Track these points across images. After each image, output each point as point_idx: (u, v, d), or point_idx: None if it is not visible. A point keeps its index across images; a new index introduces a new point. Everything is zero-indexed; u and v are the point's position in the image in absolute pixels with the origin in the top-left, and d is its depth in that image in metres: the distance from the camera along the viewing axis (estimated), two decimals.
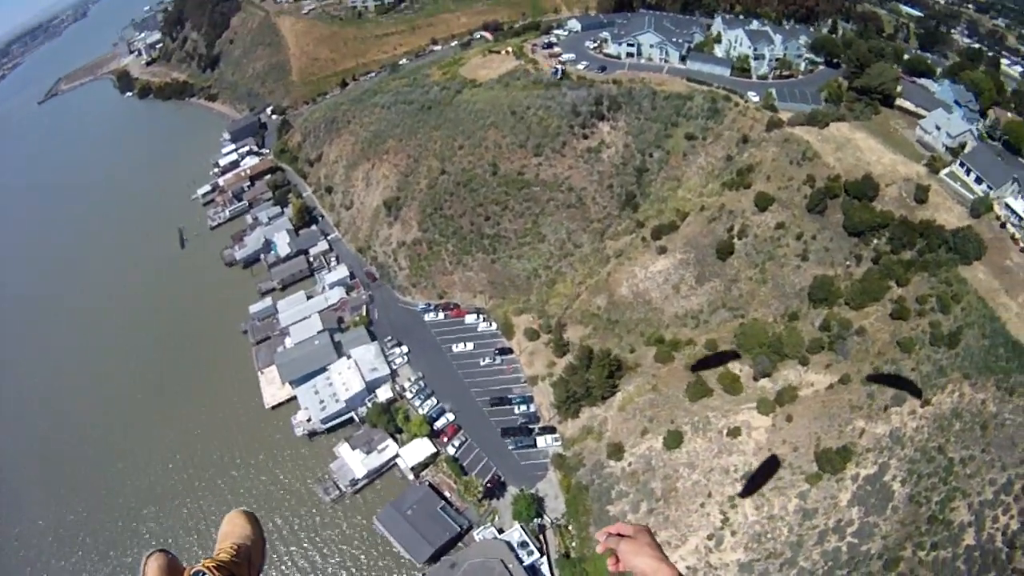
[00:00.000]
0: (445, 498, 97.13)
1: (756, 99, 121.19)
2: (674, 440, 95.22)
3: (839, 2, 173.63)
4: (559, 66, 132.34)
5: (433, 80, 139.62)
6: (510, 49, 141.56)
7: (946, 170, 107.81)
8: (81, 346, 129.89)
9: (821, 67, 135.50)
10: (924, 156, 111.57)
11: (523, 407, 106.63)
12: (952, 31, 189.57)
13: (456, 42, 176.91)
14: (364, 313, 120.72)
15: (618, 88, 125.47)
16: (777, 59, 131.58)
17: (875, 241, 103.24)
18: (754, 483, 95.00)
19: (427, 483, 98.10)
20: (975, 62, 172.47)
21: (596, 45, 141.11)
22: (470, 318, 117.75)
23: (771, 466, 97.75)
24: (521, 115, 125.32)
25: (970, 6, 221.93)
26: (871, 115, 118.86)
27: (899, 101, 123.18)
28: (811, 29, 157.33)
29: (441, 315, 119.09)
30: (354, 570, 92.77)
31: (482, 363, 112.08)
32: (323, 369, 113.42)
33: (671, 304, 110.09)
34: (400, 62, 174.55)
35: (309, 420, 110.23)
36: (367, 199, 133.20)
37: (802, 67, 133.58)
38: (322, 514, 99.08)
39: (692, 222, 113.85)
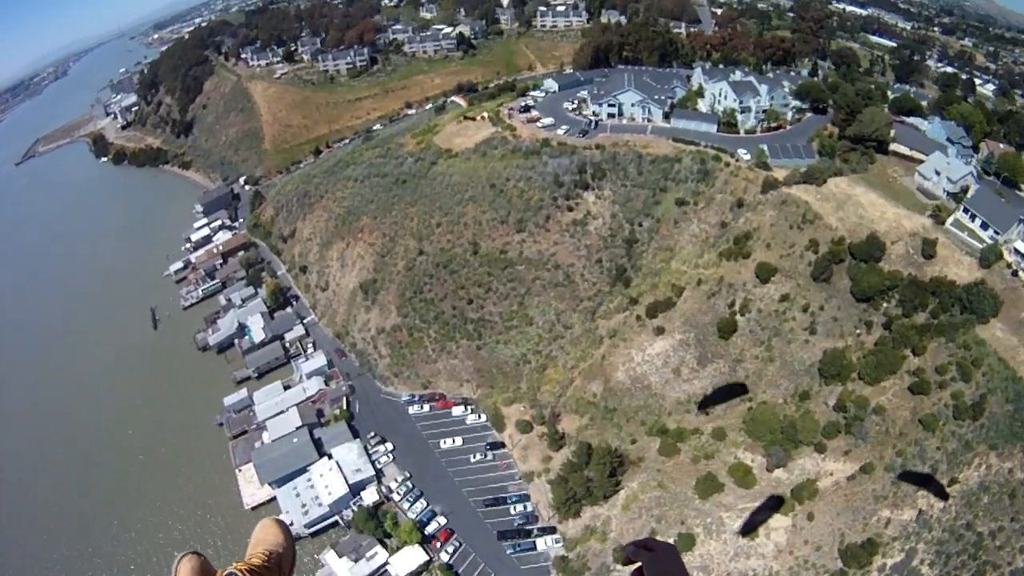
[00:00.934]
0: None
1: (747, 156, 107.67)
2: (685, 544, 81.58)
3: (814, 42, 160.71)
4: (546, 130, 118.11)
5: (407, 150, 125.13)
6: (486, 115, 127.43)
7: (951, 218, 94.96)
8: (49, 436, 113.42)
9: (808, 115, 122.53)
10: (927, 206, 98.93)
11: (520, 507, 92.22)
12: (926, 59, 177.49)
13: (431, 104, 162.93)
14: (344, 406, 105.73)
15: (601, 153, 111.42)
16: (764, 111, 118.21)
17: (885, 305, 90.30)
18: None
19: None
20: (952, 88, 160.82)
21: (575, 106, 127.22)
22: (457, 410, 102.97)
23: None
24: (501, 188, 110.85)
25: (936, 29, 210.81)
26: (867, 165, 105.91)
27: (893, 146, 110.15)
28: (791, 72, 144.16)
29: (426, 407, 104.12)
30: None
31: (472, 460, 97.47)
32: (303, 470, 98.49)
33: (672, 389, 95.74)
34: (374, 127, 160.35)
35: (291, 524, 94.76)
36: (343, 280, 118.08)
37: (789, 116, 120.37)
38: None
39: (689, 297, 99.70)
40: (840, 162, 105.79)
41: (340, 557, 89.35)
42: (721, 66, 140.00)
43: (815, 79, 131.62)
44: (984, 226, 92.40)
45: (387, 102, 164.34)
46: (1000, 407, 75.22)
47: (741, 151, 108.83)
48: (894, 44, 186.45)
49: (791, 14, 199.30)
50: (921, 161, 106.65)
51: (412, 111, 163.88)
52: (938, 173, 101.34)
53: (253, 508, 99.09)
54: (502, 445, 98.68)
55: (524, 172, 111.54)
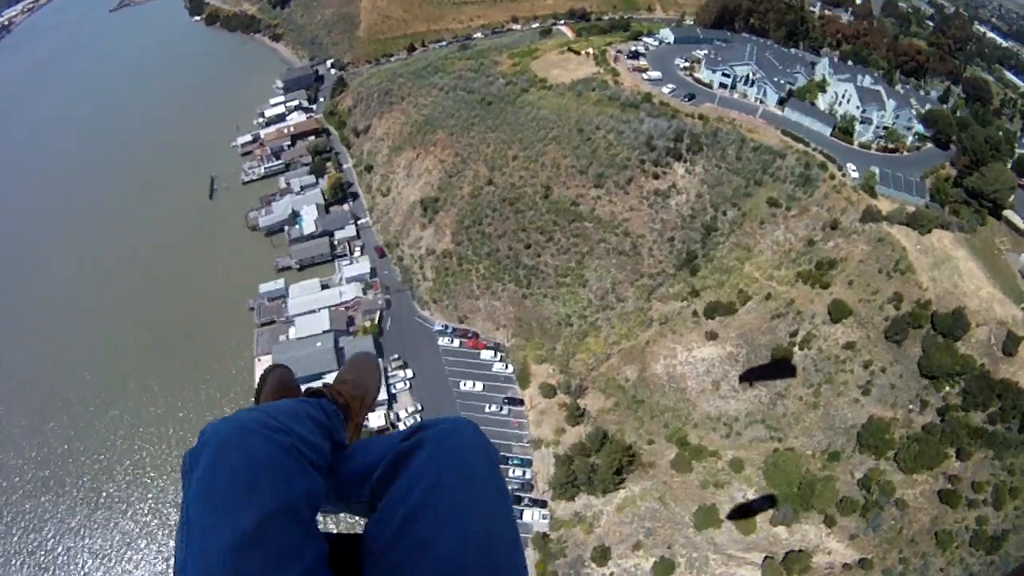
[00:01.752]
0: None
1: (855, 174, 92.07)
2: (664, 570, 73.15)
3: (951, 63, 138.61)
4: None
5: (500, 70, 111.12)
6: (592, 51, 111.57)
7: None
8: (83, 289, 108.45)
9: (929, 145, 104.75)
10: None
11: (520, 471, 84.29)
12: None
13: (538, 24, 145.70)
14: (376, 321, 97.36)
15: (703, 125, 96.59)
16: (885, 128, 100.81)
17: (947, 389, 77.35)
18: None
19: None
20: None
21: (687, 65, 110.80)
22: (486, 354, 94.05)
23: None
24: (589, 135, 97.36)
25: None
26: (976, 225, 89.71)
27: (1007, 212, 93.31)
28: (921, 90, 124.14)
29: (456, 342, 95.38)
30: None
31: (487, 409, 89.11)
32: (319, 376, 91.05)
33: (706, 401, 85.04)
34: (474, 35, 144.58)
35: None
36: (405, 191, 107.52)
37: (909, 141, 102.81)
38: None
39: (753, 310, 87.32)
40: (949, 213, 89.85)
41: None
42: (850, 62, 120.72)
43: (944, 107, 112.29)
44: None
45: (493, 12, 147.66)
46: (1016, 550, 65.52)
47: (850, 166, 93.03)
48: None
49: (930, 23, 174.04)
50: None
51: (517, 27, 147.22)
52: None
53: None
54: (520, 403, 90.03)
55: (617, 124, 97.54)
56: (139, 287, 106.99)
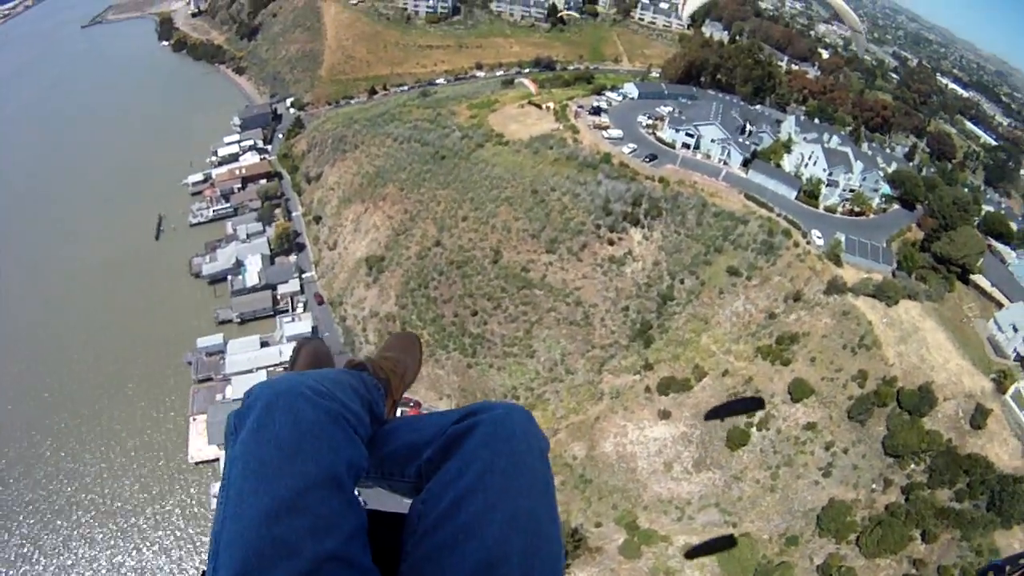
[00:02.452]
0: None
1: (820, 241, 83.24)
2: None
3: (916, 118, 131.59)
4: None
5: (457, 122, 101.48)
6: (552, 105, 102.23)
7: (1013, 388, 71.92)
8: (10, 331, 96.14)
9: (896, 206, 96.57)
10: (993, 364, 75.29)
11: None
12: (1020, 167, 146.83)
13: (502, 72, 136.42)
14: None
15: (663, 189, 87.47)
16: (851, 190, 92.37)
17: (912, 466, 68.52)
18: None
19: None
20: None
21: (651, 123, 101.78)
22: None
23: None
24: (543, 197, 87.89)
25: None
26: (944, 292, 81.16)
27: (975, 276, 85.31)
28: (887, 147, 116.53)
29: (399, 411, 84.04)
30: None
31: None
32: None
33: (657, 483, 75.14)
34: (437, 80, 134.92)
35: None
36: (352, 246, 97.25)
37: (875, 203, 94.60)
38: None
39: (709, 387, 77.77)
40: (917, 279, 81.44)
41: None
42: (816, 120, 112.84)
43: (911, 166, 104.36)
44: None
45: (458, 58, 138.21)
46: None
47: (815, 232, 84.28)
48: (991, 138, 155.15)
49: (895, 75, 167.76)
50: (1001, 305, 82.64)
51: (481, 74, 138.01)
52: (1016, 330, 77.31)
53: (197, 463, 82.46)
54: None
55: (573, 186, 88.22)
56: (74, 332, 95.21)
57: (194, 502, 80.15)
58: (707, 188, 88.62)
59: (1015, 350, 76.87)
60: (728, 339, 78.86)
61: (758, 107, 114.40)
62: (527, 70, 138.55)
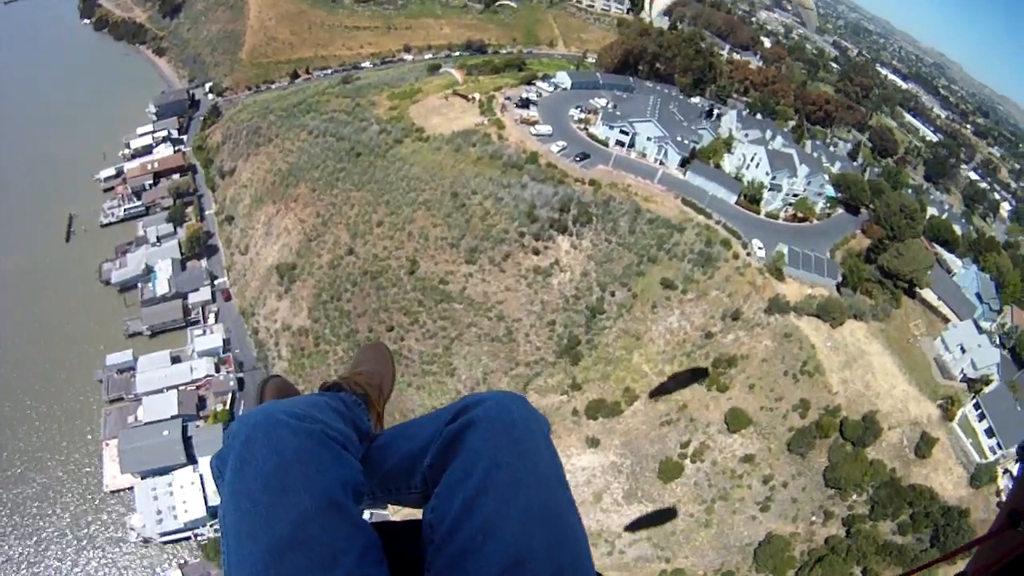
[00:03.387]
0: None
1: (761, 252, 73.04)
2: None
3: (858, 112, 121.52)
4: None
5: (376, 114, 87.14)
6: (478, 96, 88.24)
7: (960, 414, 64.49)
8: None
9: (840, 210, 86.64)
10: (939, 388, 67.52)
11: None
12: (960, 162, 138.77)
13: (431, 55, 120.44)
14: (227, 405, 73.92)
15: (594, 193, 75.57)
16: (795, 195, 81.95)
17: (854, 497, 60.84)
18: None
19: None
20: (977, 202, 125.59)
21: (583, 117, 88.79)
22: None
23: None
24: (463, 200, 75.16)
25: (968, 127, 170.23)
26: (891, 309, 72.21)
27: (920, 290, 76.84)
28: (830, 146, 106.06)
29: None
30: None
31: None
32: (167, 470, 69.13)
33: (586, 514, 64.42)
34: (363, 64, 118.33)
35: (144, 527, 67.50)
36: (264, 251, 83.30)
37: (819, 207, 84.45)
38: None
39: (640, 413, 67.81)
40: (862, 293, 72.16)
41: None
42: (758, 115, 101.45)
43: (855, 167, 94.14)
44: (989, 432, 63.25)
45: (386, 39, 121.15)
46: None
47: (756, 242, 73.86)
48: (930, 131, 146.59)
49: (836, 66, 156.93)
50: (947, 320, 74.60)
51: (409, 57, 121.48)
52: (963, 351, 69.34)
53: (112, 492, 69.80)
54: (384, 506, 68.93)
55: (496, 190, 75.54)
56: None
57: (111, 530, 67.97)
58: (641, 192, 76.97)
59: (962, 371, 69.01)
60: (661, 358, 68.65)
61: (697, 99, 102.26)
62: (457, 54, 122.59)
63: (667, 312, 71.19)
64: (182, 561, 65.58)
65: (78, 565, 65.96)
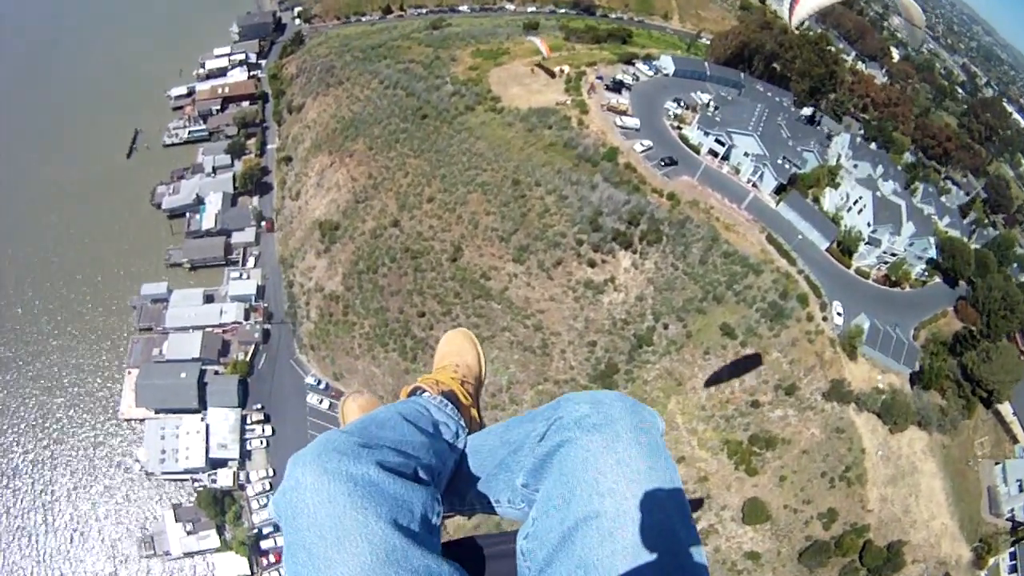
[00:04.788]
0: None
1: (839, 319, 56.29)
2: None
3: (977, 156, 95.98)
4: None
5: (454, 72, 71.56)
6: (566, 69, 70.91)
7: (992, 561, 49.24)
8: None
9: (937, 279, 66.77)
10: (981, 525, 51.63)
11: None
12: None
13: (534, 7, 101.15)
14: (249, 356, 65.78)
15: (671, 209, 59.39)
16: (893, 254, 63.04)
17: None
18: None
19: None
20: None
21: (678, 114, 70.46)
22: None
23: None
24: (524, 191, 60.61)
25: None
26: (960, 420, 55.15)
27: (999, 404, 58.65)
28: (942, 191, 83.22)
29: (326, 402, 64.16)
30: None
31: None
32: (179, 411, 62.96)
33: None
34: (461, 7, 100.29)
35: (148, 462, 62.98)
36: (312, 202, 72.03)
37: (915, 272, 65.15)
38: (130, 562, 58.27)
39: None
40: (935, 394, 54.97)
41: (176, 522, 58.02)
42: (873, 143, 79.58)
43: (961, 239, 71.56)
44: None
45: None
46: None
47: (836, 305, 56.81)
48: None
49: (961, 92, 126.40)
50: (1017, 441, 57.12)
51: (511, 6, 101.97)
52: (1021, 488, 52.52)
53: (127, 420, 64.65)
54: None
55: (562, 185, 60.33)
56: (31, 256, 73.94)
57: (119, 456, 63.08)
58: (724, 217, 60.14)
59: (1011, 511, 52.40)
60: (698, 414, 54.72)
61: (810, 111, 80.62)
62: (563, 10, 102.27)
63: (719, 362, 56.35)
64: (177, 502, 59.89)
65: (86, 480, 61.71)
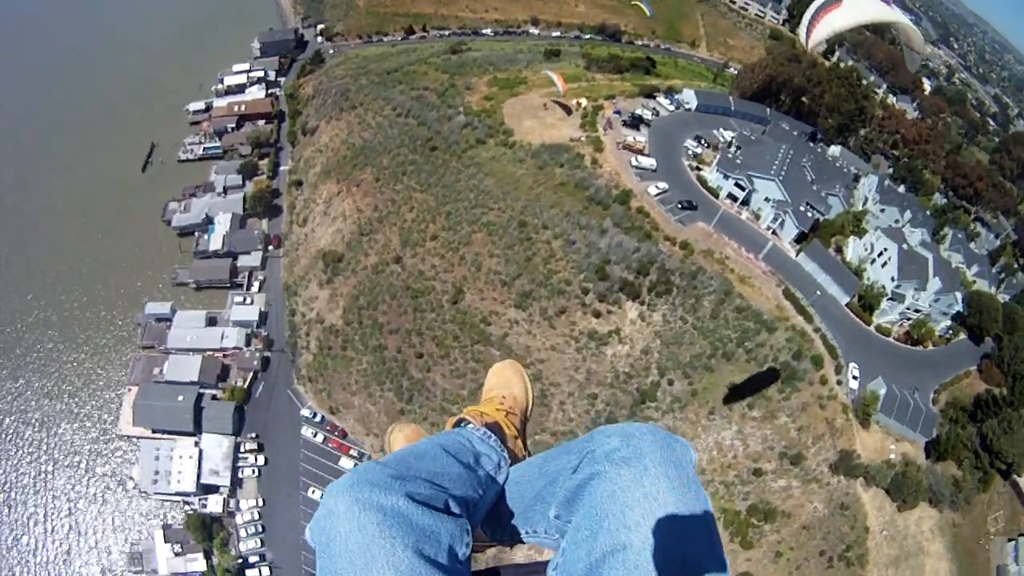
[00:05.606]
0: None
1: (854, 383, 49.71)
2: None
3: (1008, 197, 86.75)
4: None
5: (466, 103, 65.87)
6: (584, 103, 64.76)
7: None
8: None
9: (962, 336, 59.24)
10: None
11: None
12: None
13: (558, 32, 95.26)
14: (246, 384, 62.08)
15: (683, 259, 53.16)
16: (917, 311, 55.87)
17: None
18: None
19: None
20: None
21: (698, 153, 63.85)
22: (347, 462, 58.74)
23: None
24: (530, 233, 55.09)
25: None
26: (974, 494, 48.37)
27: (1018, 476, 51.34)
28: (972, 236, 74.95)
29: (321, 436, 60.06)
30: None
31: None
32: (174, 434, 59.66)
33: None
34: (484, 30, 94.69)
35: (141, 481, 59.90)
36: (319, 231, 67.61)
37: (939, 329, 57.83)
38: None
39: None
40: (951, 462, 48.28)
41: (165, 542, 55.26)
42: (902, 185, 71.75)
43: (989, 292, 63.38)
44: None
45: (514, 7, 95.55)
46: None
47: (852, 368, 50.26)
48: None
49: (993, 124, 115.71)
50: None
51: (535, 31, 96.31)
52: None
53: (124, 436, 61.89)
54: None
55: (570, 229, 54.58)
56: (42, 267, 71.29)
57: (114, 471, 60.41)
58: (739, 269, 53.71)
59: None
60: (696, 475, 48.93)
61: (838, 150, 72.92)
62: (587, 36, 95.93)
63: (724, 424, 50.48)
64: (167, 523, 56.81)
65: (84, 493, 59.17)
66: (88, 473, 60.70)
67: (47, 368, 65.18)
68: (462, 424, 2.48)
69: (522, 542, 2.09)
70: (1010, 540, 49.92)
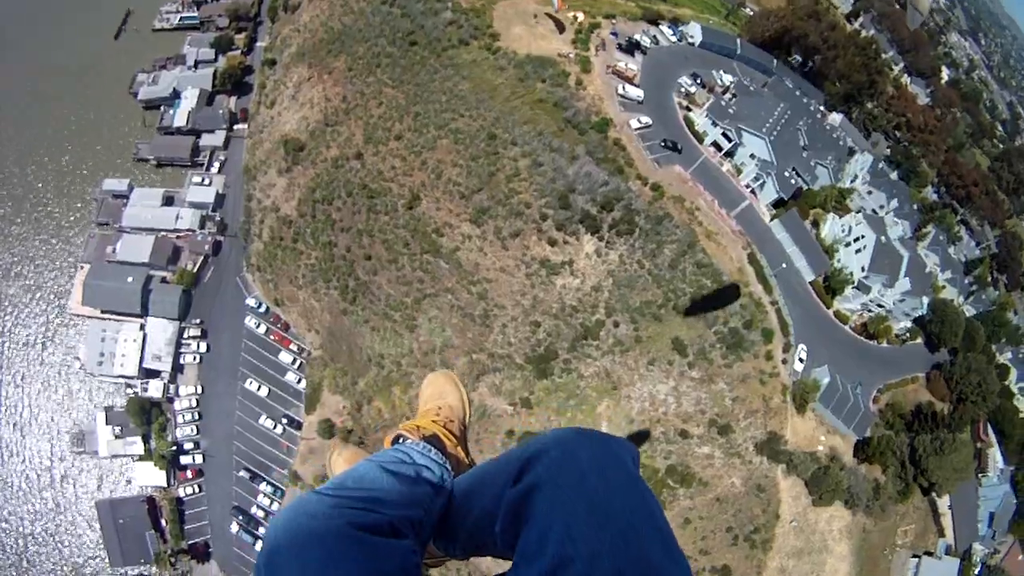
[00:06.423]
0: (158, 525, 49.97)
1: (800, 365, 46.37)
2: None
3: (1000, 209, 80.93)
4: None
5: (454, 2, 56.33)
6: (581, 17, 56.11)
7: None
8: None
9: (920, 340, 55.29)
10: None
11: (269, 497, 51.61)
12: None
13: None
14: (196, 268, 57.35)
15: (651, 202, 47.70)
16: (879, 306, 51.81)
17: None
18: None
19: (148, 501, 51.71)
20: None
21: (691, 92, 56.47)
22: (286, 356, 55.62)
23: None
24: (498, 148, 48.79)
25: None
26: (891, 506, 46.78)
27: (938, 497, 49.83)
28: (952, 241, 69.45)
29: (264, 328, 56.20)
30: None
31: (261, 420, 53.40)
32: (121, 314, 55.32)
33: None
34: None
35: (87, 362, 56.61)
36: (285, 115, 60.15)
37: (897, 328, 54.10)
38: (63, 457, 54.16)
39: None
40: (878, 464, 46.12)
41: (107, 424, 52.80)
42: (895, 174, 65.45)
43: (954, 306, 58.52)
44: None
45: None
46: None
47: (801, 349, 46.72)
48: None
49: (1000, 129, 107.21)
50: (943, 535, 49.87)
51: None
52: None
53: (74, 315, 57.50)
54: (299, 426, 54.01)
55: (540, 150, 48.26)
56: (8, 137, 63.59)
57: (62, 350, 56.58)
58: (708, 223, 48.49)
59: None
60: (625, 427, 46.12)
61: (837, 118, 65.63)
62: None
63: (661, 376, 47.22)
64: (110, 405, 53.88)
65: (34, 370, 55.79)
66: (41, 347, 57.02)
67: (3, 243, 59.67)
68: (400, 440, 2.31)
69: (475, 556, 1.93)
70: (914, 556, 48.69)
